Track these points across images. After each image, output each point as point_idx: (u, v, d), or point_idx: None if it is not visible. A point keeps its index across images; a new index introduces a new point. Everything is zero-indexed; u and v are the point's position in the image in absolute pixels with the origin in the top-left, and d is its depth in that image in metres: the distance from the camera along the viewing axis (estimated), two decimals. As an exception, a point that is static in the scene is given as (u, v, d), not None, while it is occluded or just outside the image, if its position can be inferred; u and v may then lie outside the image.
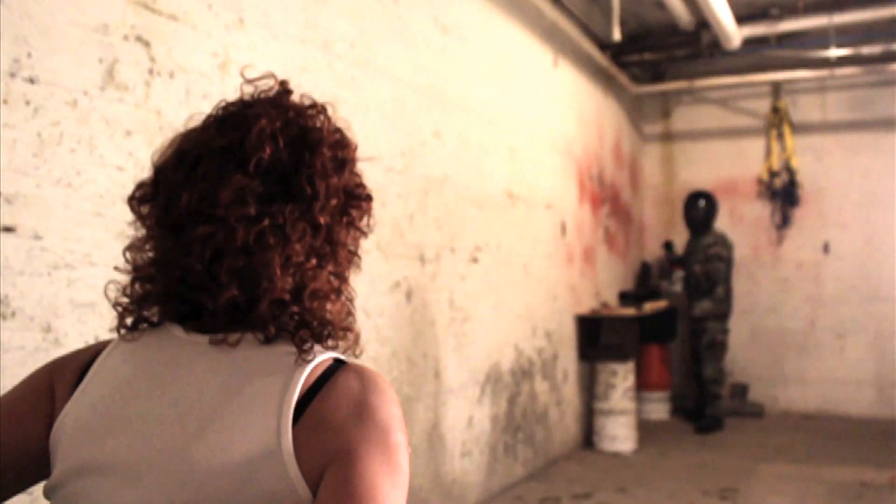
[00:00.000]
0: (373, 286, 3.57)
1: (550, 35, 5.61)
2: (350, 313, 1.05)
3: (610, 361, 5.82)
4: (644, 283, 7.39)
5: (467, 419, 4.36)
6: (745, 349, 7.41)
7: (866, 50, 6.66)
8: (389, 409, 0.94)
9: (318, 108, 1.05)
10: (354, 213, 1.04)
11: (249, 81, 1.06)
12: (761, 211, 7.55)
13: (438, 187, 4.12)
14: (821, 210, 7.36)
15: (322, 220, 0.98)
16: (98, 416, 0.95)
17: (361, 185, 1.06)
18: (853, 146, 7.26)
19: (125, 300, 1.02)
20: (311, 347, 0.95)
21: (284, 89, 1.06)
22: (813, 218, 7.38)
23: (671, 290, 7.18)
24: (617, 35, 5.94)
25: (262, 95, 1.04)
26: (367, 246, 3.54)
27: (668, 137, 7.97)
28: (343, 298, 1.04)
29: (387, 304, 3.67)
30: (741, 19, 6.38)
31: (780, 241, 7.46)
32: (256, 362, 0.94)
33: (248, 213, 0.94)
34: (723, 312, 6.71)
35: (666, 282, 7.27)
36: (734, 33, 6.29)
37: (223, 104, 1.05)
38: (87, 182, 2.24)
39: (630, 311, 6.18)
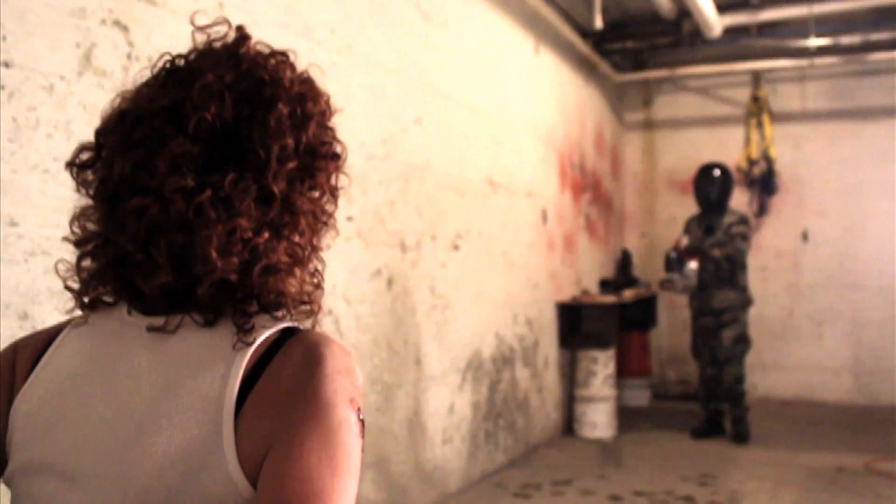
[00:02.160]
0: (354, 273, 3.56)
1: (532, 23, 5.60)
2: (317, 285, 0.96)
3: (590, 348, 5.85)
4: (625, 271, 7.42)
5: (448, 406, 4.37)
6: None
7: (846, 40, 6.70)
8: (333, 382, 0.84)
9: (279, 58, 0.93)
10: (319, 175, 0.92)
11: (200, 29, 0.94)
12: (739, 199, 7.57)
13: (420, 174, 4.11)
14: (800, 199, 7.41)
15: (276, 188, 0.87)
16: (45, 410, 0.89)
17: (327, 143, 0.94)
18: (832, 135, 7.31)
19: (76, 279, 0.94)
20: (253, 326, 0.86)
21: (240, 35, 0.94)
22: (792, 206, 7.43)
23: (687, 285, 5.75)
24: (599, 23, 5.94)
25: (215, 45, 0.93)
26: (347, 233, 3.54)
27: (649, 125, 7.99)
28: (307, 269, 0.94)
29: (368, 292, 3.66)
30: (722, 8, 6.40)
31: (758, 229, 7.51)
32: (195, 352, 0.86)
33: (185, 184, 0.83)
34: (747, 301, 5.80)
35: (678, 275, 5.74)
36: (715, 22, 6.31)
37: (170, 56, 0.93)
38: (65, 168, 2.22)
39: (610, 299, 6.21)
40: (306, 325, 0.94)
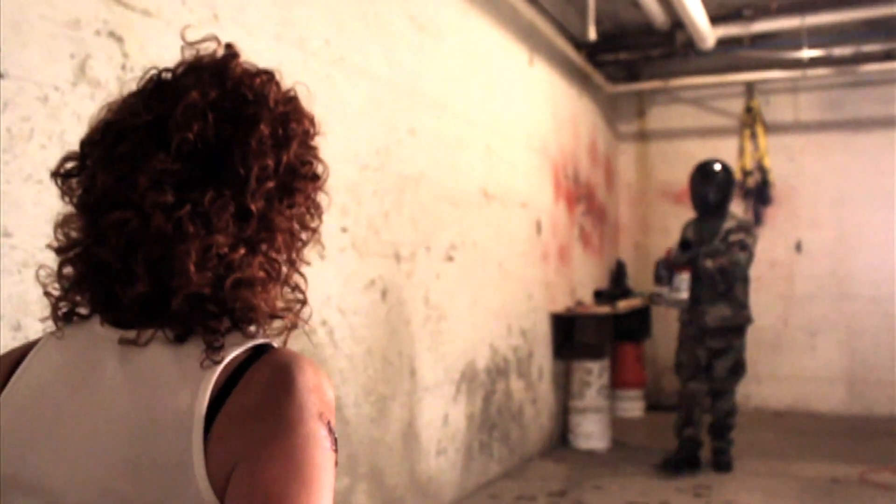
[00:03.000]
0: (348, 284, 3.55)
1: (526, 34, 5.62)
2: (301, 301, 0.96)
3: (585, 359, 5.85)
4: (619, 282, 7.42)
5: (443, 417, 4.36)
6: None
7: (838, 51, 6.75)
8: (300, 398, 0.83)
9: (264, 77, 0.94)
10: (298, 194, 0.93)
11: (190, 45, 0.95)
12: (734, 209, 7.60)
13: (414, 185, 4.12)
14: (793, 209, 7.43)
15: (254, 207, 0.87)
16: (22, 426, 0.88)
17: (308, 163, 0.94)
18: (825, 146, 7.34)
19: (56, 288, 0.94)
20: (222, 345, 0.86)
21: (228, 53, 0.94)
22: (785, 217, 7.45)
23: (677, 298, 5.12)
24: (592, 34, 5.96)
25: (202, 62, 0.93)
26: (341, 244, 3.54)
27: (643, 136, 8.01)
28: (283, 285, 0.94)
29: (362, 303, 3.66)
30: (715, 20, 6.43)
31: (752, 240, 7.52)
32: (166, 368, 0.86)
33: (165, 199, 0.85)
34: (745, 320, 5.10)
35: (668, 288, 5.14)
36: (708, 33, 6.34)
37: (156, 70, 0.94)
38: (58, 179, 2.21)
39: (605, 310, 6.21)
40: (279, 341, 0.94)
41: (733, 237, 5.02)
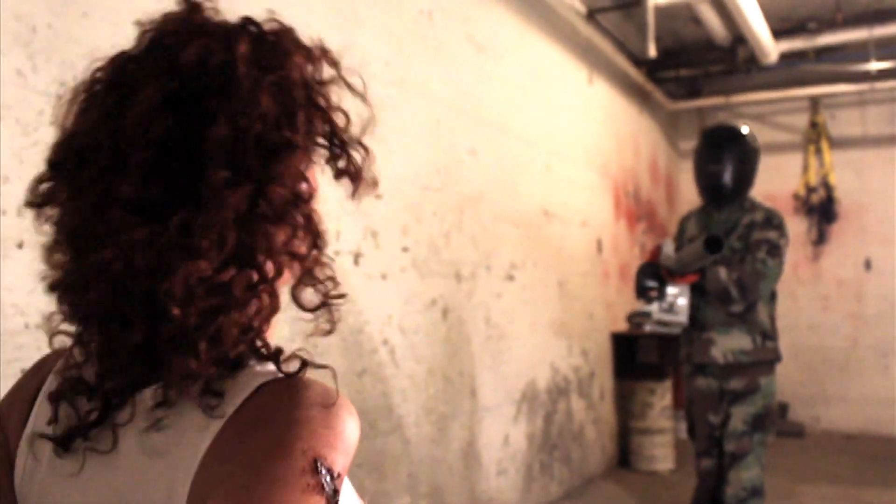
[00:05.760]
0: (409, 304, 3.57)
1: (585, 52, 5.60)
2: (331, 294, 0.80)
3: (647, 380, 5.77)
4: (681, 301, 7.28)
5: (503, 437, 4.34)
6: (784, 367, 7.23)
7: (907, 63, 6.58)
8: (277, 430, 0.69)
9: (230, 44, 0.76)
10: (276, 192, 0.75)
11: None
12: (798, 227, 7.44)
13: (474, 205, 4.12)
14: (861, 226, 7.23)
15: (227, 223, 0.72)
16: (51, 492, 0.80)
17: (286, 144, 0.76)
18: (894, 160, 7.14)
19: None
20: (222, 398, 0.73)
21: (190, 19, 0.79)
22: (853, 234, 7.26)
23: (673, 321, 3.48)
24: (652, 51, 5.92)
25: (165, 33, 0.78)
26: (402, 263, 3.56)
27: (704, 153, 7.90)
28: (272, 299, 0.77)
29: (422, 322, 3.67)
30: (778, 34, 6.33)
31: (816, 258, 7.35)
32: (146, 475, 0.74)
33: (140, 235, 0.72)
34: (771, 357, 3.53)
35: (657, 306, 3.45)
36: (771, 48, 6.24)
37: (118, 53, 0.80)
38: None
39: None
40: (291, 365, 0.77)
41: (758, 235, 3.46)
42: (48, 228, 0.80)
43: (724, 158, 3.57)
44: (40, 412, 0.83)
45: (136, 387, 0.77)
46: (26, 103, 2.05)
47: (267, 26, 0.80)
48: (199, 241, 0.71)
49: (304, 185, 0.78)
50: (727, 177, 3.57)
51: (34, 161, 2.02)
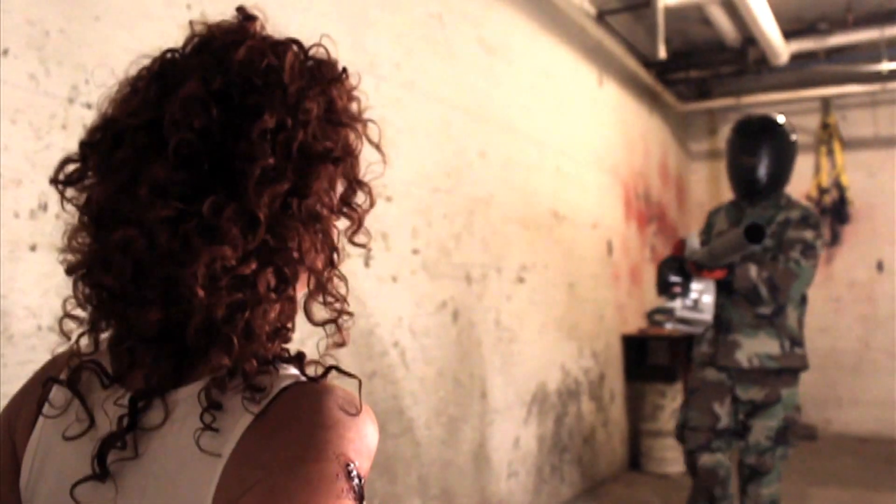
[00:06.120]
0: (419, 306, 3.57)
1: (595, 54, 5.59)
2: (338, 310, 0.81)
3: (657, 382, 5.75)
4: (691, 303, 7.25)
5: (514, 440, 4.33)
6: (796, 370, 7.26)
7: (919, 63, 6.54)
8: (309, 433, 0.70)
9: (279, 52, 0.79)
10: (315, 186, 0.77)
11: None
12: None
13: (484, 207, 4.12)
14: (874, 227, 7.20)
15: (260, 213, 0.73)
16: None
17: (327, 148, 0.78)
18: (907, 162, 7.11)
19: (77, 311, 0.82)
20: (264, 392, 0.74)
21: (242, 26, 0.81)
22: (865, 235, 7.22)
23: (697, 318, 3.30)
24: (662, 53, 5.90)
25: (213, 36, 0.80)
26: (413, 266, 3.56)
27: (714, 155, 7.88)
28: (316, 293, 0.80)
29: (433, 325, 3.67)
30: (789, 34, 6.31)
31: (829, 260, 7.31)
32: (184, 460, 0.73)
33: (168, 213, 0.73)
34: (798, 365, 3.30)
35: (680, 303, 3.27)
36: (782, 49, 6.22)
37: (163, 51, 0.81)
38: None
39: (678, 331, 6.09)
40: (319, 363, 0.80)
41: (793, 234, 3.26)
42: (71, 210, 0.81)
43: (760, 150, 3.38)
44: (47, 423, 0.83)
45: (162, 387, 0.76)
46: (39, 107, 2.06)
47: (312, 50, 0.83)
48: (227, 225, 0.72)
49: (332, 199, 0.80)
50: (763, 170, 3.37)
51: (46, 164, 2.04)
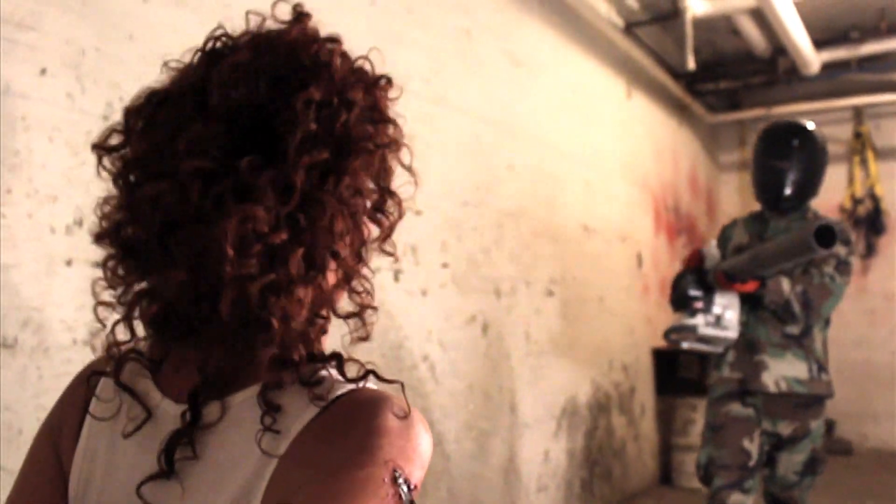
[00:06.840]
0: (448, 320, 3.57)
1: (623, 66, 5.58)
2: (364, 305, 0.81)
3: (688, 396, 5.69)
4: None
5: (543, 453, 4.31)
6: (830, 383, 7.16)
7: (953, 72, 6.46)
8: (361, 438, 0.70)
9: (329, 45, 0.81)
10: (355, 173, 0.76)
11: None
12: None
13: (513, 221, 4.12)
14: (909, 238, 7.09)
15: (297, 179, 0.72)
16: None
17: (368, 138, 0.78)
18: (942, 172, 7.00)
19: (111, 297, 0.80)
20: (321, 385, 0.74)
21: (296, 18, 0.82)
22: (901, 247, 7.12)
23: (721, 336, 3.05)
24: (691, 64, 5.87)
25: (266, 30, 0.81)
26: (442, 279, 3.56)
27: (744, 166, 7.79)
28: (341, 285, 0.79)
29: (462, 338, 3.67)
30: (819, 44, 6.25)
31: (864, 272, 7.21)
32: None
33: (202, 165, 0.72)
34: (825, 393, 3.07)
35: (702, 319, 3.02)
36: (812, 59, 6.16)
37: (217, 34, 0.83)
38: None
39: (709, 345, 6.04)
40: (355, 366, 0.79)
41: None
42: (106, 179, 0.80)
43: (788, 154, 3.11)
44: (93, 425, 0.83)
45: (216, 382, 0.76)
46: (75, 125, 2.10)
47: (358, 62, 0.85)
48: (263, 185, 0.71)
49: (366, 188, 0.80)
50: (791, 176, 3.10)
51: (82, 181, 2.07)
